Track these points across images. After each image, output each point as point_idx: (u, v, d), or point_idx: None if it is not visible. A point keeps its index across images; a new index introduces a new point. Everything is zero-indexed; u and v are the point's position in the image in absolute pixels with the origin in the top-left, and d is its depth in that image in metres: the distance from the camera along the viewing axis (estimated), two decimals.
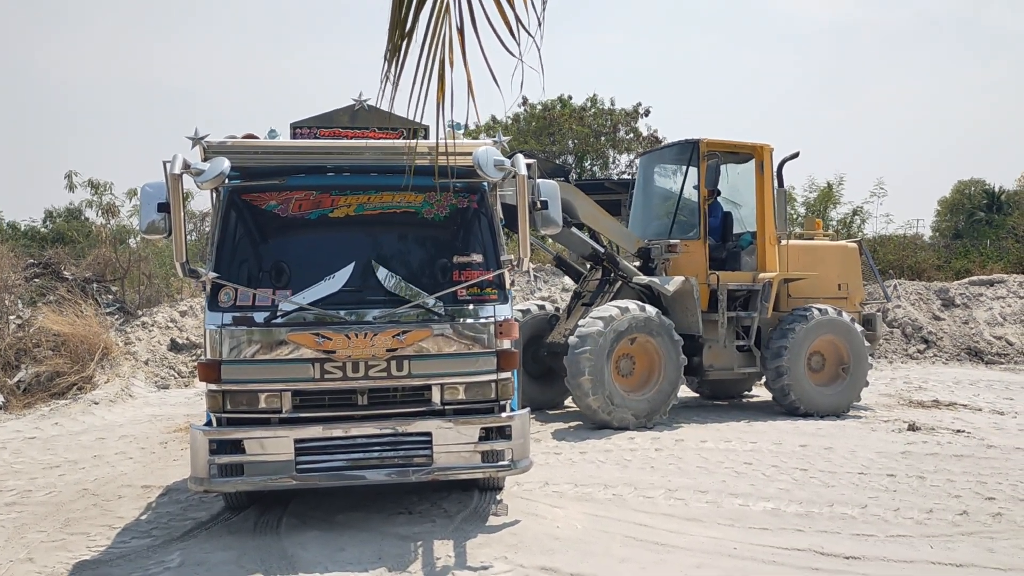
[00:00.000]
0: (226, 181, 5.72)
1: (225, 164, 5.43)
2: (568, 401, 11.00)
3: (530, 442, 6.08)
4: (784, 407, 10.52)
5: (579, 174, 29.09)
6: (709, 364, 10.52)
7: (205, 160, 5.60)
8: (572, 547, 5.47)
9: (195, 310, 15.56)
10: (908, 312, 17.56)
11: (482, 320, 5.87)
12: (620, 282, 10.53)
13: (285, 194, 5.95)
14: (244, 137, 6.07)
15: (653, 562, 5.23)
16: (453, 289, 5.86)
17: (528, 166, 5.88)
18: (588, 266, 11.27)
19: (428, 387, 5.78)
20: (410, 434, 5.75)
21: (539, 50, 2.83)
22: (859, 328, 10.75)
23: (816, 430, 9.45)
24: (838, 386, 10.60)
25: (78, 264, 17.20)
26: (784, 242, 10.86)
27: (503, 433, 5.87)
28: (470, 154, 5.80)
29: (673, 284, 10.08)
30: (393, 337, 5.61)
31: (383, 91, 2.93)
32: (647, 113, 29.49)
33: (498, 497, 6.53)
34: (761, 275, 10.58)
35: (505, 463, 5.87)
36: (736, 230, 11.20)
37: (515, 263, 5.89)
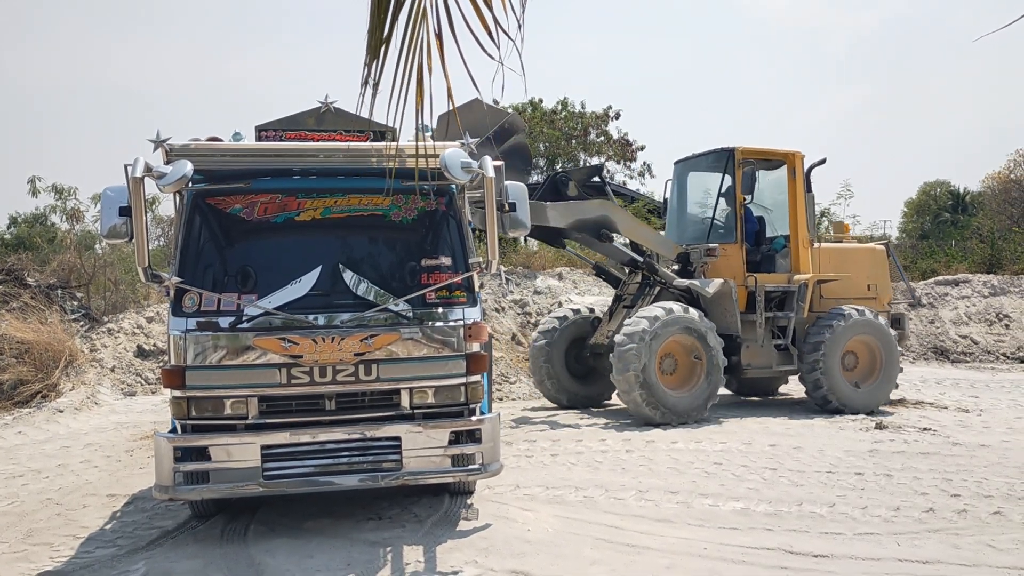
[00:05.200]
0: (189, 184, 5.64)
1: (188, 167, 5.35)
2: (609, 399, 11.85)
3: (500, 445, 6.06)
4: (818, 403, 10.88)
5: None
6: (747, 363, 10.93)
7: (168, 163, 5.51)
8: (543, 550, 5.45)
9: (162, 316, 15.34)
10: None
11: (451, 323, 5.84)
12: (659, 286, 11.04)
13: (250, 197, 5.88)
14: (208, 140, 5.99)
15: (624, 564, 5.23)
16: (421, 292, 5.82)
17: (496, 168, 5.86)
18: (627, 271, 11.86)
19: (397, 391, 5.74)
20: (379, 439, 5.70)
21: (519, 53, 2.78)
22: (889, 328, 11.11)
23: (785, 430, 9.52)
24: (870, 384, 10.95)
25: (42, 270, 16.86)
26: (816, 245, 11.34)
27: (473, 437, 5.84)
28: (437, 156, 5.77)
29: (713, 286, 10.58)
30: (361, 341, 5.56)
31: (363, 96, 2.87)
32: (617, 116, 29.63)
33: (468, 501, 6.50)
34: (796, 277, 11.04)
35: (475, 467, 5.83)
36: (769, 234, 11.66)
37: (484, 266, 5.86)
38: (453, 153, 5.75)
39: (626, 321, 10.25)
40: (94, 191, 19.11)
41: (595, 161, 28.73)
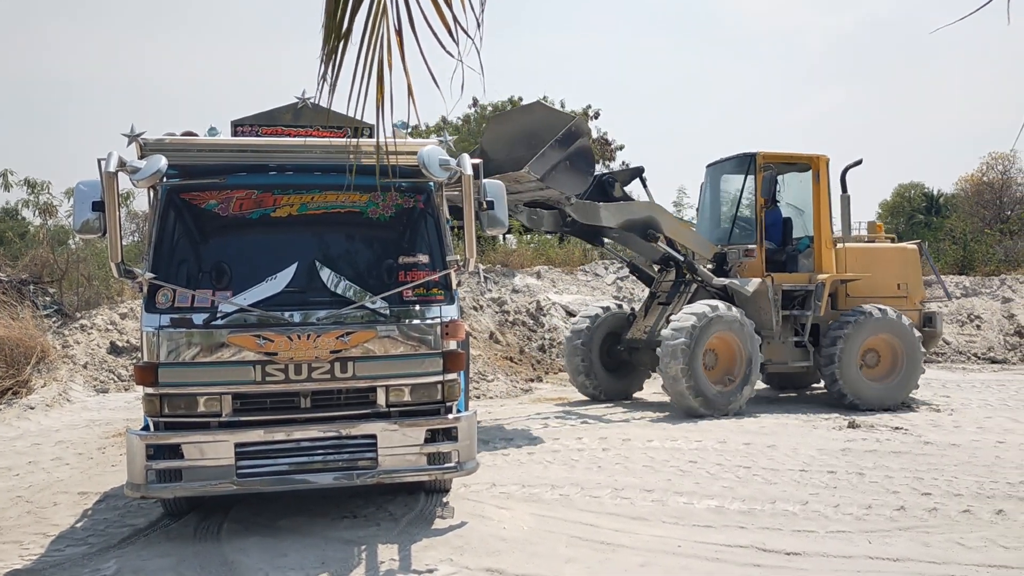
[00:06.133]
0: (163, 179, 5.59)
1: (162, 162, 5.31)
2: (639, 393, 12.48)
3: (476, 443, 6.05)
4: (835, 399, 11.05)
5: None
6: (767, 358, 11.19)
7: (142, 158, 5.47)
8: (518, 548, 5.46)
9: (135, 312, 15.17)
10: None
11: (428, 321, 5.83)
12: (695, 284, 11.46)
13: (225, 193, 5.84)
14: (183, 134, 5.94)
15: (598, 561, 5.25)
16: (399, 290, 5.81)
17: (474, 166, 5.86)
18: (657, 269, 12.34)
19: (373, 389, 5.72)
20: (355, 437, 5.68)
21: (478, 51, 2.81)
22: (913, 327, 11.28)
23: (759, 428, 9.59)
24: (890, 382, 11.14)
25: (14, 265, 16.66)
26: (841, 245, 11.58)
27: (449, 435, 5.83)
28: (415, 153, 5.75)
29: (752, 285, 11.01)
30: (337, 338, 5.54)
31: (319, 93, 2.89)
32: (597, 115, 29.69)
33: (444, 499, 6.50)
34: (817, 276, 11.28)
35: (451, 465, 5.83)
36: (799, 234, 11.93)
37: (461, 263, 5.85)
38: (431, 151, 5.74)
39: (672, 317, 10.64)
40: (67, 186, 18.85)
41: None
